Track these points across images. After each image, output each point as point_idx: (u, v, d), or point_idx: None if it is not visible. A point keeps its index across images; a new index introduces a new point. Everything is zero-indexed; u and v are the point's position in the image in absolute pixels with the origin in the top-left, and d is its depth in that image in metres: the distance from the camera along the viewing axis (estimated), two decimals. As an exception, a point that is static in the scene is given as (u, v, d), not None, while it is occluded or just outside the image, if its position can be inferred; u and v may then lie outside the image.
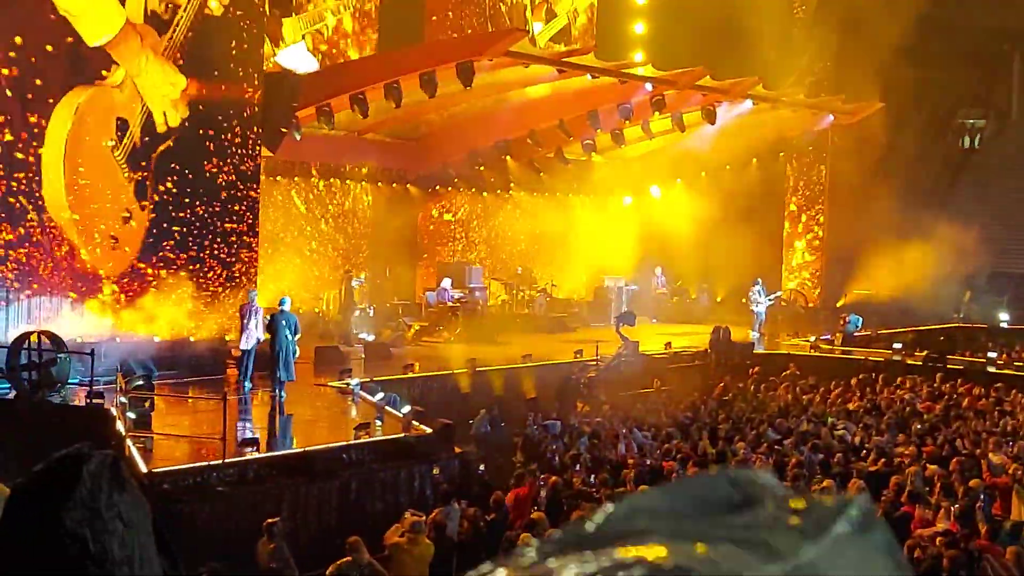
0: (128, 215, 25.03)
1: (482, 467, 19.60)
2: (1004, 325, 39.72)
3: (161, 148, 25.35)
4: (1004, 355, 31.92)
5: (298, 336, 23.06)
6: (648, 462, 18.66)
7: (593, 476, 17.34)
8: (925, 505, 15.78)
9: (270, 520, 14.15)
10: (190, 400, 22.46)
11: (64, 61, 23.44)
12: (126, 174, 24.86)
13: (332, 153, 34.42)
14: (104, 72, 24.26)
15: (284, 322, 22.83)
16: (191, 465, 16.53)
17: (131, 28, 24.52)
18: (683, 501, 1.33)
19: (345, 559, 12.95)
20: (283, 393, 22.66)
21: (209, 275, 26.37)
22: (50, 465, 2.01)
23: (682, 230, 41.75)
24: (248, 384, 23.20)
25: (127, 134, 24.80)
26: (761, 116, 37.58)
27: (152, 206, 25.36)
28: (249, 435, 18.28)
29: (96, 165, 24.35)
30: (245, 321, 23.23)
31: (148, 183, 25.21)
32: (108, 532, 1.94)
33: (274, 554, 13.90)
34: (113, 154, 24.60)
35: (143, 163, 25.06)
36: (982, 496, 15.98)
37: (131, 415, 18.38)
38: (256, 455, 17.14)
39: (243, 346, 23.25)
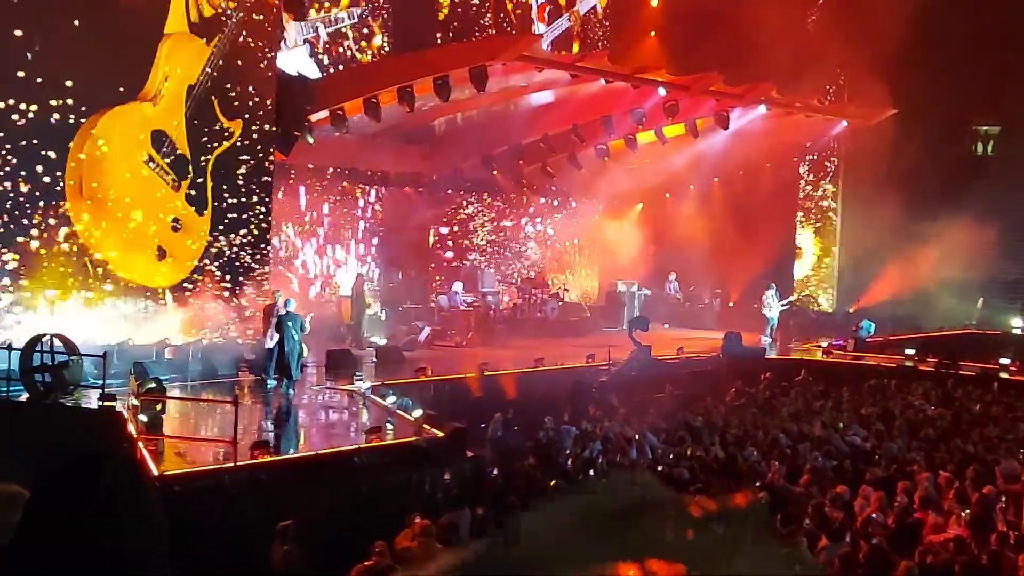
0: (177, 225, 25.30)
1: (495, 471, 19.58)
2: (1017, 332, 39.64)
3: (219, 150, 25.67)
4: (1017, 362, 31.83)
5: (305, 334, 23.99)
6: (660, 468, 18.62)
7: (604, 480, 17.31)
8: (937, 511, 15.75)
9: (283, 523, 14.16)
10: (203, 403, 22.46)
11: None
12: (170, 183, 25.09)
13: (345, 157, 34.46)
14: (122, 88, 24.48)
15: (290, 323, 23.74)
16: (202, 468, 16.54)
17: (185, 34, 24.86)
18: (565, 520, 1.35)
19: (367, 562, 12.94)
20: (292, 391, 23.49)
21: (227, 279, 26.47)
22: (70, 466, 2.04)
23: (695, 235, 41.77)
24: (271, 381, 24.19)
25: (165, 143, 25.00)
26: (774, 122, 37.59)
27: (211, 212, 25.72)
28: (261, 439, 18.30)
29: (127, 181, 24.54)
30: (272, 321, 24.21)
31: (205, 189, 25.56)
32: (124, 532, 1.97)
33: (287, 557, 13.90)
34: (150, 166, 24.78)
35: (193, 169, 25.31)
36: (1003, 499, 15.98)
37: (143, 418, 18.41)
38: (267, 458, 17.14)
39: (267, 345, 24.25)
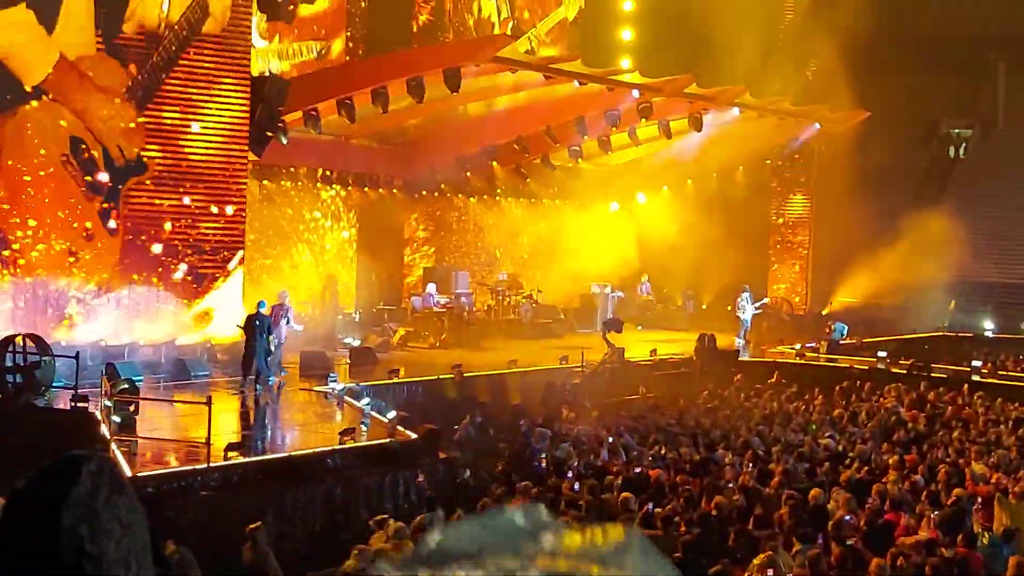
0: (89, 234, 25.11)
1: (468, 473, 19.59)
2: (989, 334, 39.85)
3: (133, 181, 25.48)
4: (988, 364, 32.00)
5: (272, 338, 24.34)
6: (638, 469, 18.66)
7: (578, 484, 17.32)
8: (908, 513, 15.83)
9: (253, 525, 14.11)
10: (176, 404, 22.39)
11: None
12: (83, 191, 24.93)
13: (319, 157, 34.41)
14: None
15: (258, 323, 23.88)
16: (176, 469, 16.51)
17: (68, 65, 24.52)
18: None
19: (349, 563, 12.92)
20: (260, 388, 23.68)
21: (198, 281, 26.41)
22: (50, 466, 2.03)
23: (668, 237, 41.88)
24: (273, 378, 24.60)
25: (82, 151, 24.85)
26: (747, 124, 37.72)
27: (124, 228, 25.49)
28: (234, 439, 18.26)
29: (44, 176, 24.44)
30: (275, 320, 25.01)
31: (113, 211, 25.28)
32: (105, 533, 1.95)
33: (258, 559, 13.86)
34: (67, 168, 24.66)
35: (105, 192, 25.21)
36: (979, 501, 16.07)
37: (116, 419, 18.35)
38: (241, 459, 17.10)
39: (273, 345, 24.68)
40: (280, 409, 23.66)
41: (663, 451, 20.55)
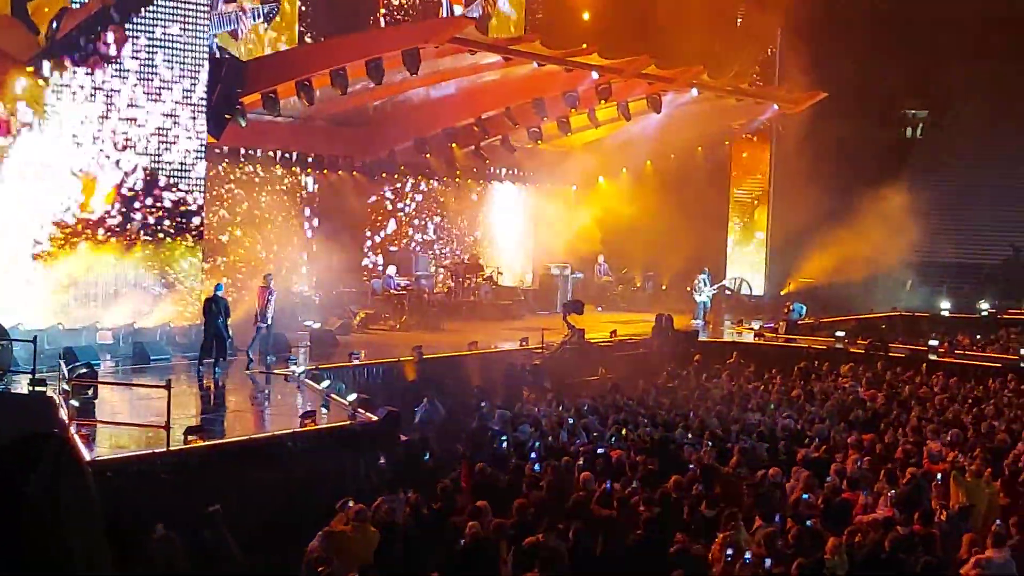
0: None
1: (428, 455, 19.62)
2: (945, 313, 40.13)
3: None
4: (945, 343, 32.26)
5: (229, 319, 24.32)
6: (599, 450, 18.73)
7: (539, 465, 17.37)
8: (866, 492, 15.96)
9: (211, 507, 14.08)
10: (135, 388, 22.29)
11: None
12: None
13: (277, 139, 34.22)
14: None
15: (215, 306, 24.05)
16: (135, 453, 16.43)
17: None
18: None
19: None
20: (219, 370, 23.80)
21: (155, 263, 26.32)
22: (11, 445, 2.04)
23: (628, 218, 41.95)
24: (271, 358, 25.51)
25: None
26: (706, 105, 37.75)
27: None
28: (193, 423, 18.19)
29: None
30: (262, 301, 25.60)
31: None
32: (65, 506, 1.97)
33: (216, 541, 13.84)
34: None
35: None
36: (935, 478, 16.22)
37: (74, 403, 18.25)
38: (200, 443, 17.04)
39: (260, 324, 25.51)
40: (240, 392, 23.61)
41: (623, 431, 20.63)
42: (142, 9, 25.78)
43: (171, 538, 13.58)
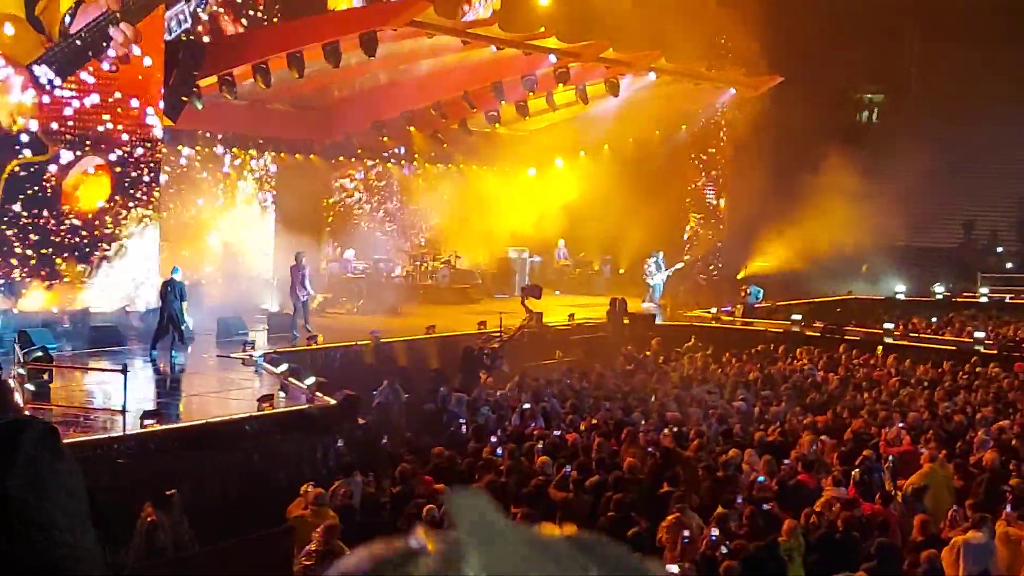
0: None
1: (386, 439, 19.65)
2: (900, 296, 40.41)
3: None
4: (900, 326, 32.52)
5: (186, 304, 24.23)
6: (556, 433, 18.79)
7: (500, 449, 17.41)
8: (822, 473, 16.09)
9: (168, 492, 14.06)
10: (91, 372, 22.18)
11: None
12: None
13: (234, 123, 34.07)
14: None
15: (171, 289, 23.89)
16: (92, 437, 16.37)
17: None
18: None
19: (312, 545, 12.91)
20: (176, 354, 23.61)
21: (107, 249, 26.17)
22: None
23: (585, 202, 42.02)
24: (295, 335, 26.99)
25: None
26: (664, 89, 37.85)
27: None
28: (150, 407, 18.14)
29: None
30: (294, 280, 27.46)
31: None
32: (50, 499, 1.97)
33: (172, 525, 13.82)
34: None
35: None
36: (891, 460, 16.35)
37: (30, 387, 18.16)
38: (157, 427, 16.99)
39: (296, 301, 27.51)
40: (197, 376, 23.53)
41: (581, 415, 20.70)
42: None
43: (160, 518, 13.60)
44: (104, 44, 25.35)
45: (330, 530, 12.85)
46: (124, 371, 17.09)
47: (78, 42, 25.06)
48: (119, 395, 16.79)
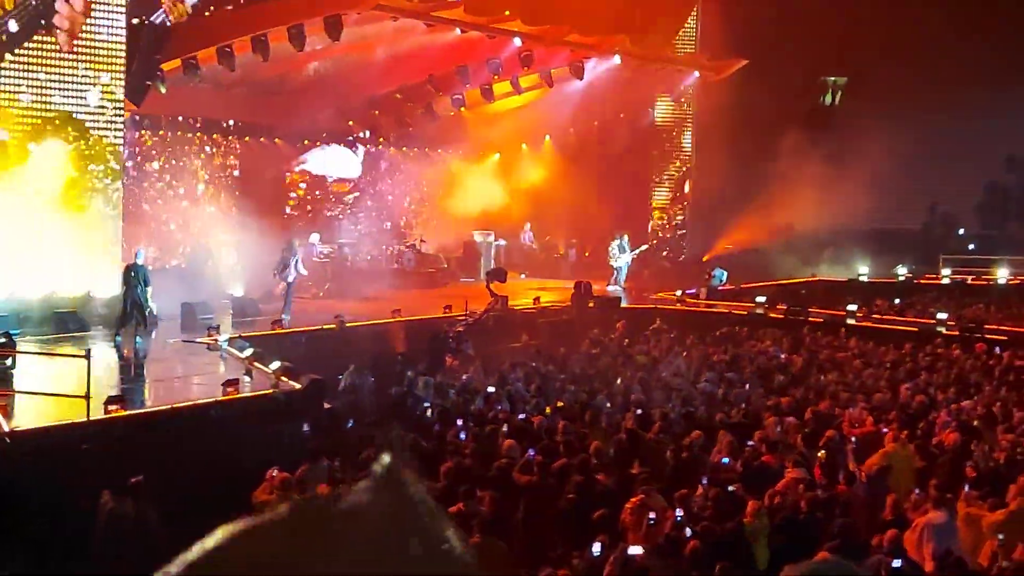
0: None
1: (351, 423, 19.64)
2: (863, 279, 40.62)
3: None
4: (863, 308, 32.71)
5: (150, 289, 23.91)
6: (521, 416, 18.83)
7: (464, 433, 17.42)
8: (786, 455, 16.18)
9: (133, 479, 14.02)
10: (55, 357, 22.05)
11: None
12: None
13: (198, 107, 33.95)
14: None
15: (134, 273, 23.81)
16: (55, 424, 16.29)
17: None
18: None
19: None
20: (140, 339, 23.58)
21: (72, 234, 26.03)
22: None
23: (550, 186, 42.07)
24: (286, 317, 27.14)
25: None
26: (628, 72, 37.93)
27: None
28: (114, 393, 18.06)
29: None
30: (286, 261, 28.09)
31: None
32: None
33: (139, 513, 13.79)
34: None
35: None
36: (854, 441, 16.46)
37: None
38: (122, 412, 16.92)
39: (288, 279, 28.18)
40: (162, 361, 23.45)
41: (547, 398, 20.75)
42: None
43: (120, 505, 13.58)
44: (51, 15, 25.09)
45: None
46: (88, 356, 17.01)
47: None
48: (83, 381, 16.69)
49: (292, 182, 39.26)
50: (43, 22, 24.98)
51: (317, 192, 39.98)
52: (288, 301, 28.19)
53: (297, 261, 28.46)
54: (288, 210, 38.82)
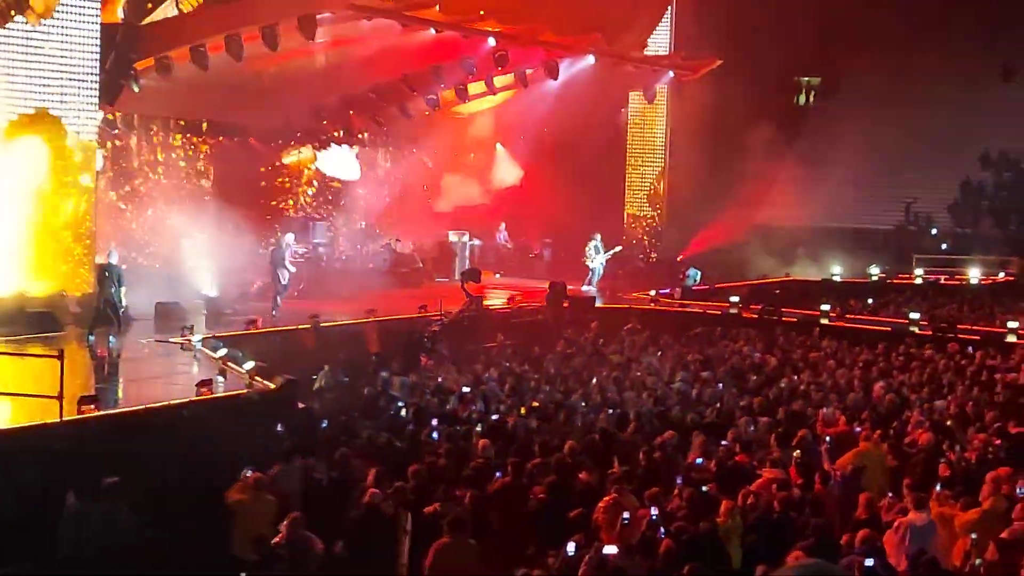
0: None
1: (326, 423, 19.63)
2: (837, 278, 40.75)
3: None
4: (836, 308, 32.82)
5: (124, 288, 23.79)
6: (495, 416, 18.84)
7: (436, 433, 17.40)
8: (760, 454, 16.23)
9: (108, 480, 13.97)
10: (27, 357, 21.93)
11: None
12: None
13: (172, 106, 33.82)
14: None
15: (108, 273, 23.71)
16: (28, 424, 16.20)
17: None
18: None
19: (279, 536, 12.80)
20: (113, 339, 23.40)
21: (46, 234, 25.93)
22: None
23: (525, 185, 42.08)
24: (275, 313, 28.30)
25: None
26: (603, 72, 37.92)
27: None
28: (87, 393, 17.98)
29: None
30: (278, 261, 29.04)
31: None
32: None
33: (115, 514, 13.75)
34: None
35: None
36: (828, 440, 16.50)
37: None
38: (95, 412, 16.84)
39: (276, 282, 29.05)
40: (136, 361, 23.37)
41: (521, 398, 20.77)
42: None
43: (84, 506, 13.54)
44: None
45: (294, 521, 12.79)
46: (60, 356, 16.93)
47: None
48: (56, 381, 16.60)
49: (301, 182, 39.16)
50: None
51: (293, 192, 39.86)
52: (277, 298, 29.06)
53: (285, 258, 29.36)
54: (292, 213, 38.84)
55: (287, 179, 39.77)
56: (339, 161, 39.73)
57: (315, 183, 40.52)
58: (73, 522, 13.67)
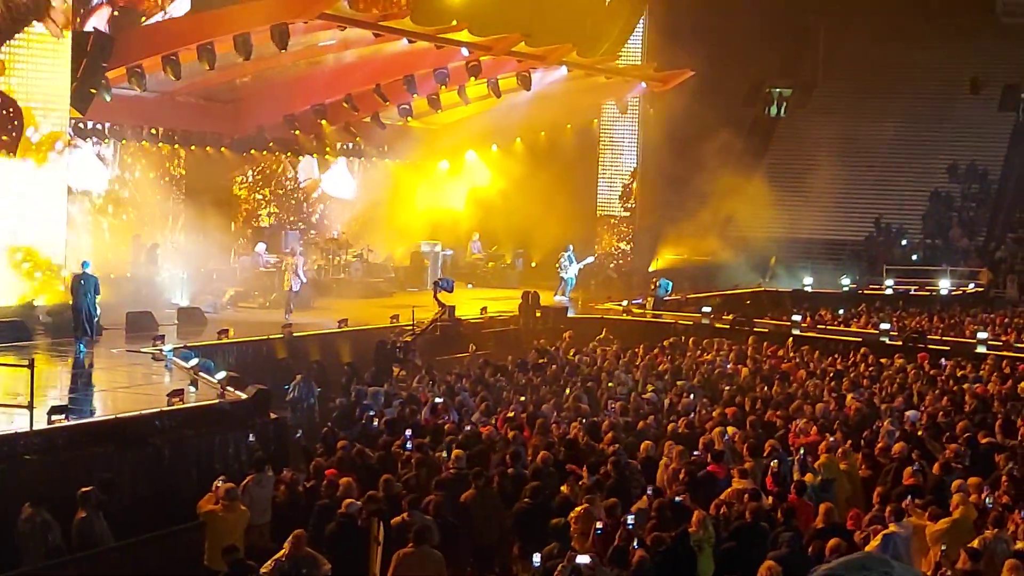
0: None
1: (300, 433, 19.60)
2: (808, 289, 40.88)
3: None
4: (808, 318, 32.94)
5: (98, 297, 24.15)
6: (468, 427, 18.82)
7: (410, 443, 17.36)
8: (731, 464, 16.26)
9: (84, 489, 13.92)
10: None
11: None
12: None
13: (144, 115, 33.69)
14: None
15: (83, 283, 23.87)
16: (-3, 434, 16.11)
17: None
18: None
19: (281, 552, 12.72)
20: (83, 348, 23.59)
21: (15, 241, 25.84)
22: None
23: (498, 196, 42.15)
24: (287, 317, 29.06)
25: None
26: (575, 83, 38.03)
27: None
28: (58, 403, 17.90)
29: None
30: (290, 267, 30.83)
31: None
32: None
33: (88, 523, 13.70)
34: None
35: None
36: (802, 451, 16.53)
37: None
38: (66, 422, 16.77)
39: (294, 287, 30.67)
40: (107, 371, 23.27)
41: (494, 408, 20.76)
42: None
43: (41, 517, 13.47)
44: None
45: (298, 538, 12.71)
46: (31, 366, 16.85)
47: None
48: (26, 390, 16.51)
49: (239, 191, 39.12)
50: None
51: (265, 201, 39.82)
52: (289, 306, 30.36)
53: (298, 267, 31.12)
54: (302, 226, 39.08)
55: (260, 188, 39.74)
56: (340, 179, 40.14)
57: (287, 191, 40.54)
58: (38, 533, 13.59)
